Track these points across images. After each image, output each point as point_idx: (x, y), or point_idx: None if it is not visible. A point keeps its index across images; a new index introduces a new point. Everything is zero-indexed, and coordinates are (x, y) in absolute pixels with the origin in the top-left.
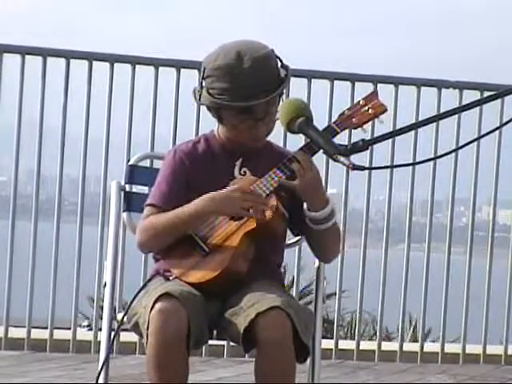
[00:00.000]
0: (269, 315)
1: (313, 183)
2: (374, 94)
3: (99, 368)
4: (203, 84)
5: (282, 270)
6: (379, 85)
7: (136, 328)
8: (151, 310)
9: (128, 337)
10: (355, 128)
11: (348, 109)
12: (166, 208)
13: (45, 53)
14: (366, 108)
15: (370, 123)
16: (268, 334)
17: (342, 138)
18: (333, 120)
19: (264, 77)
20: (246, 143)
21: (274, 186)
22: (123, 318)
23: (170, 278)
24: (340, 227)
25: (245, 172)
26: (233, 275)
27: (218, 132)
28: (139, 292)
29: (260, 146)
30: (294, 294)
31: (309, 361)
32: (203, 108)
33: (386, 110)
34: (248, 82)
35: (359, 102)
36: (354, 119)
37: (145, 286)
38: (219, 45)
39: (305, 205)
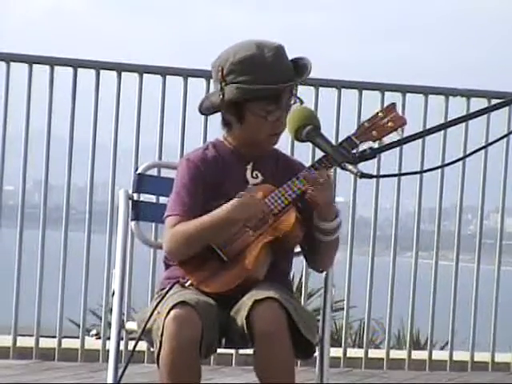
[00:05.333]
0: (262, 305)
1: (330, 195)
2: (393, 106)
3: (112, 376)
4: (224, 83)
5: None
6: (386, 93)
7: (148, 334)
8: (166, 316)
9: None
10: (374, 141)
11: (367, 121)
12: (191, 216)
13: (52, 62)
14: (386, 120)
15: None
16: (261, 326)
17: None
18: (352, 131)
19: (286, 64)
20: (263, 143)
21: (297, 194)
22: (143, 331)
23: (186, 284)
24: (348, 235)
25: (257, 175)
26: (249, 285)
27: (227, 138)
28: (158, 304)
29: (272, 147)
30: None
31: (317, 369)
32: (211, 116)
33: (405, 123)
34: (274, 69)
35: (378, 114)
36: (373, 132)
37: (164, 296)
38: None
39: (315, 214)
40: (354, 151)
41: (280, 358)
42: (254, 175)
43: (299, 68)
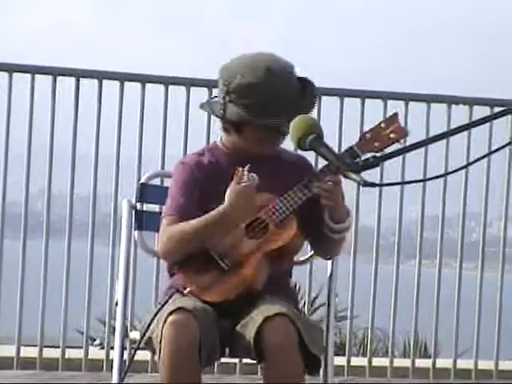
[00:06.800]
0: (274, 321)
1: (341, 198)
2: (395, 117)
3: None
4: (227, 98)
5: (294, 286)
6: (389, 101)
7: (149, 344)
8: (164, 323)
9: (140, 355)
10: (377, 152)
11: (369, 131)
12: (186, 218)
13: (55, 72)
14: (388, 132)
15: None
16: (272, 339)
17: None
18: (354, 142)
19: (292, 93)
20: (259, 152)
21: (299, 203)
22: (142, 338)
23: (185, 292)
24: (351, 244)
25: (252, 177)
26: (249, 295)
27: (224, 142)
28: (158, 311)
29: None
30: (305, 309)
31: (321, 377)
32: (213, 125)
33: (407, 135)
34: (279, 99)
35: (380, 124)
36: (376, 143)
37: (164, 304)
38: (239, 56)
39: (326, 215)
40: (357, 160)
41: (291, 371)
42: (250, 177)
43: (305, 93)
